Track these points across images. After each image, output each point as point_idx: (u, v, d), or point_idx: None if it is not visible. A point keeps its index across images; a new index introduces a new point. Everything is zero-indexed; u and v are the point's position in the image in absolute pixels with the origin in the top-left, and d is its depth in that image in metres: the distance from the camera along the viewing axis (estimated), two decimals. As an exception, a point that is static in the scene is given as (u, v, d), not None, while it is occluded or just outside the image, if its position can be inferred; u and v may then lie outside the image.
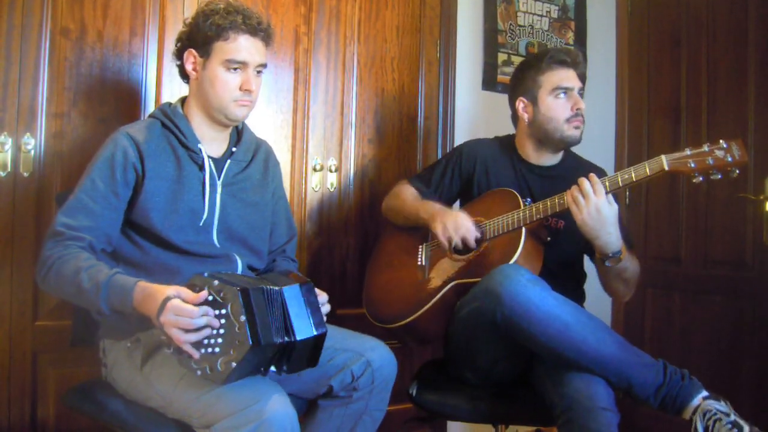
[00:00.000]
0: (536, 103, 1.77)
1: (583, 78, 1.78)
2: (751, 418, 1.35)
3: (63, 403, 1.48)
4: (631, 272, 1.64)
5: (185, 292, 1.21)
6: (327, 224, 2.23)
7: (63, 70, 1.81)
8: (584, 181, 1.51)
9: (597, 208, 1.48)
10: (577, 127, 1.74)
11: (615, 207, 1.51)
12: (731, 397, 1.39)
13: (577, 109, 1.73)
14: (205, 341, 1.19)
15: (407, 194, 1.89)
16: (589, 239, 1.53)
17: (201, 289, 1.21)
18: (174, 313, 1.18)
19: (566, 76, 1.74)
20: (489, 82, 2.56)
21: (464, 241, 1.66)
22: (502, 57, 2.58)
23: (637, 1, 2.73)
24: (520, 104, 1.81)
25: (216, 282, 1.21)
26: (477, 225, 1.70)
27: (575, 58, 1.76)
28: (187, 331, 1.18)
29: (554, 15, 2.72)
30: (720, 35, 2.34)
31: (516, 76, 1.85)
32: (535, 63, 1.79)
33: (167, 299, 1.19)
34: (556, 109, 1.74)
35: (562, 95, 1.74)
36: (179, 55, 1.52)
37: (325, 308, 1.40)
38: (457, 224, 1.66)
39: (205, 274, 1.24)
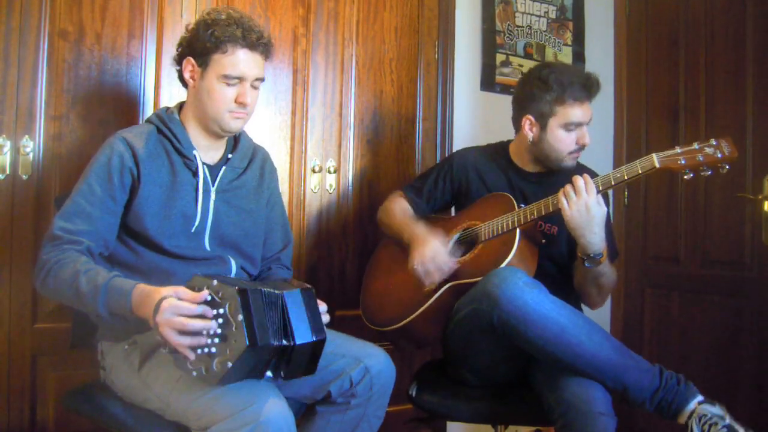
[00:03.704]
0: (545, 128, 1.73)
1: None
2: (749, 416, 1.35)
3: (62, 405, 1.49)
4: (607, 279, 1.65)
5: (184, 291, 1.20)
6: (326, 226, 2.23)
7: (61, 72, 1.81)
8: (578, 179, 1.54)
9: (586, 206, 1.51)
10: (575, 158, 1.76)
11: (603, 209, 1.54)
12: (729, 396, 1.40)
13: (582, 145, 1.73)
14: (202, 341, 1.19)
15: (396, 210, 1.88)
16: (574, 236, 1.56)
17: (200, 290, 1.20)
18: (170, 312, 1.16)
19: (582, 112, 1.71)
20: (487, 82, 2.56)
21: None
22: (500, 58, 2.58)
23: (635, 2, 2.72)
24: (527, 122, 1.76)
25: (215, 282, 1.21)
26: (469, 229, 1.72)
27: (593, 91, 1.72)
28: (183, 333, 1.17)
29: (552, 15, 2.72)
30: (718, 35, 2.34)
31: (529, 91, 1.75)
32: (556, 89, 1.69)
33: (163, 299, 1.18)
34: (563, 141, 1.73)
35: (572, 128, 1.72)
36: (179, 60, 1.52)
37: (325, 318, 1.38)
38: (429, 264, 1.64)
39: (204, 275, 1.23)
